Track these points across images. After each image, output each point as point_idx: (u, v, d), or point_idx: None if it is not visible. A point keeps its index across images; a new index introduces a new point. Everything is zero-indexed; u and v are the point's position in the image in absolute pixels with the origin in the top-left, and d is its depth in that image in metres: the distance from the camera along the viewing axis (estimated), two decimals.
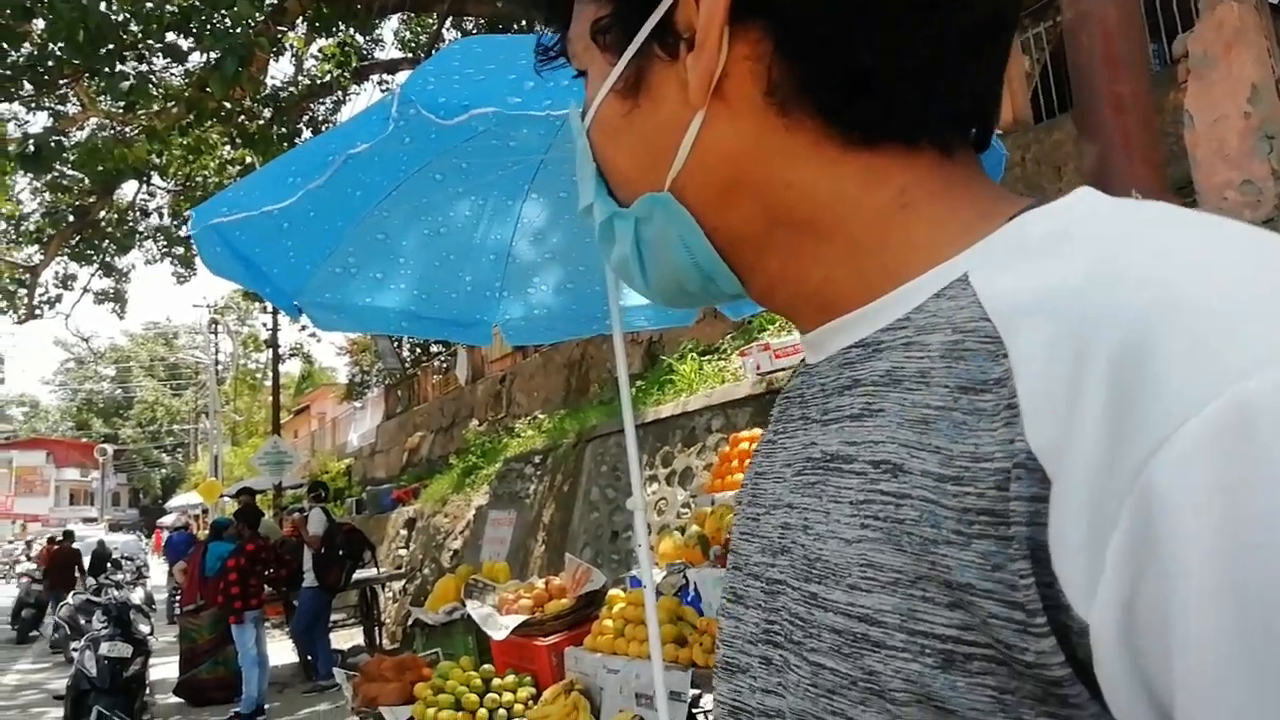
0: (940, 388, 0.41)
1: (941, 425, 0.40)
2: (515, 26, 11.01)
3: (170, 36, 9.30)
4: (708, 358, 8.06)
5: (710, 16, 0.47)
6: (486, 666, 4.02)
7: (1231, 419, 0.30)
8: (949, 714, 0.38)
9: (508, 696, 3.82)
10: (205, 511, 21.50)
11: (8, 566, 18.48)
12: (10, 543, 20.81)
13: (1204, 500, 0.30)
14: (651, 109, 0.51)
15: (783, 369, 5.90)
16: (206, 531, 13.18)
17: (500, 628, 3.99)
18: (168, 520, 23.45)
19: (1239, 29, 3.68)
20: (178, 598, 14.93)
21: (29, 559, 18.90)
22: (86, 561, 15.76)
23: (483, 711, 3.73)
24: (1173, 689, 0.31)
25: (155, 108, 10.16)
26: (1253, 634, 0.29)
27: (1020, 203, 0.47)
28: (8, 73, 8.63)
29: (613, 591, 3.95)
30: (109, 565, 13.68)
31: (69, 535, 16.18)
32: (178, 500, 29.51)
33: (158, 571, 19.38)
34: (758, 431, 4.49)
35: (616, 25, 0.51)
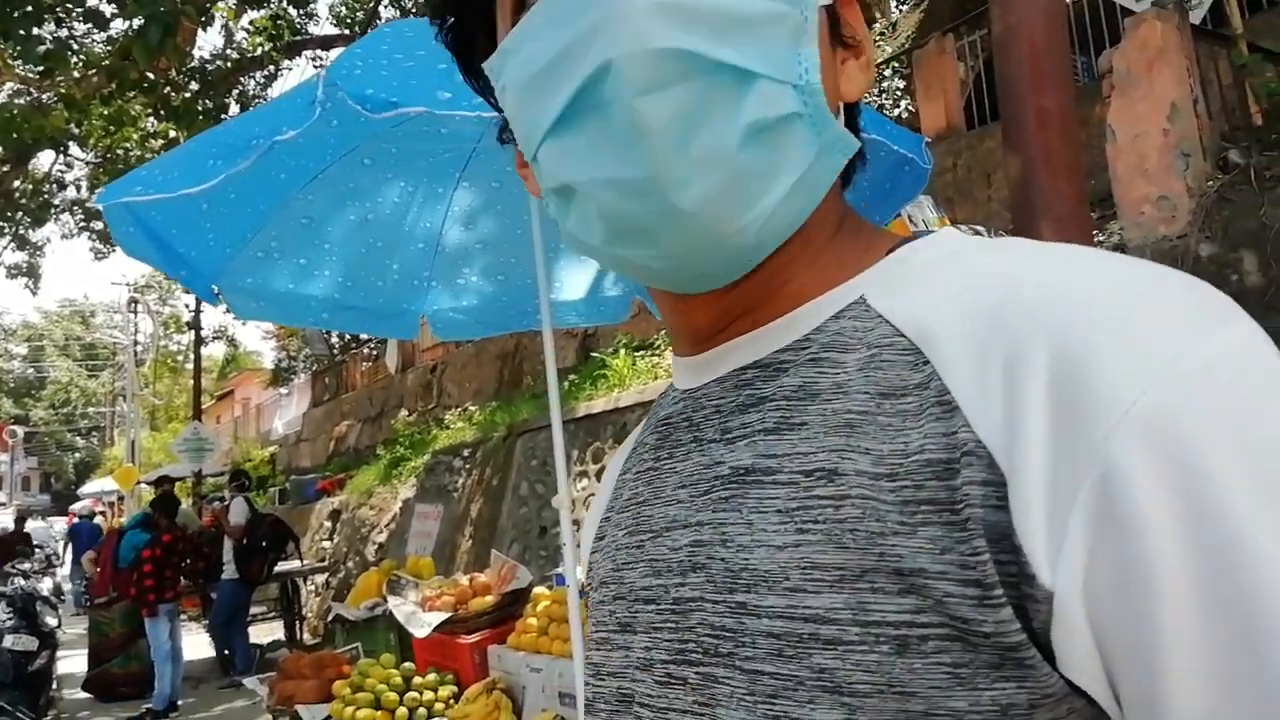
0: (860, 395, 0.45)
1: (868, 429, 0.43)
2: None
3: (91, 1, 8.92)
4: (641, 353, 8.05)
5: (869, 43, 0.54)
6: (407, 665, 3.95)
7: (1168, 402, 0.36)
8: (909, 696, 0.39)
9: (428, 695, 3.76)
10: (121, 499, 20.77)
11: None
12: None
13: (1155, 468, 0.36)
14: (832, 65, 0.51)
15: None
16: (121, 520, 12.73)
17: (422, 625, 3.92)
18: (78, 506, 22.63)
19: (1161, 48, 3.80)
20: (85, 589, 14.42)
21: None
22: None
23: (402, 710, 3.66)
24: (1128, 636, 0.37)
25: (75, 75, 9.73)
26: (1219, 582, 0.35)
27: (891, 235, 0.54)
28: None
29: (537, 589, 3.91)
30: (15, 553, 13.11)
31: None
32: (92, 486, 28.51)
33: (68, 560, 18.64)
34: None
35: None
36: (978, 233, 5.24)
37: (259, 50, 11.54)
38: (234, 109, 11.74)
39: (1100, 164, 4.42)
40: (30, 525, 19.43)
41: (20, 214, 14.81)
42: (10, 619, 7.99)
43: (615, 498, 0.62)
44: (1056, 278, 0.42)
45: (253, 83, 13.01)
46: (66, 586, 15.91)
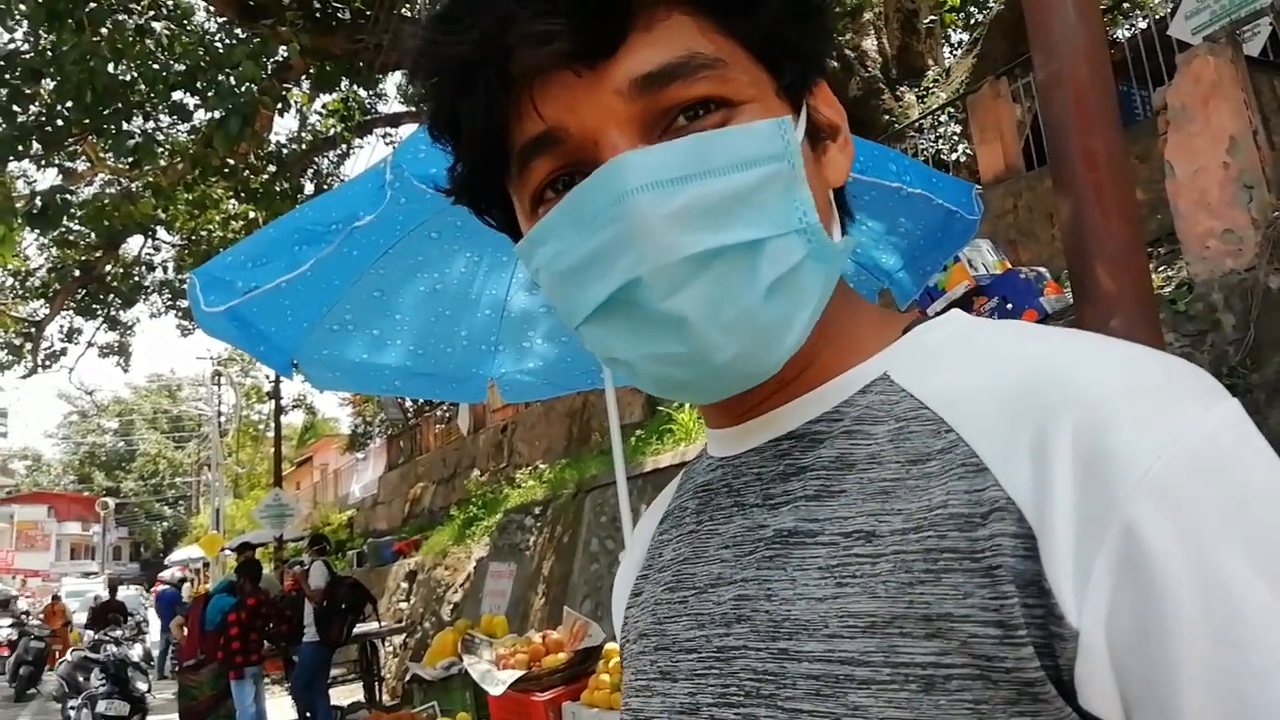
0: (892, 464, 0.50)
1: (900, 493, 0.49)
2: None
3: (176, 95, 9.50)
4: None
5: (843, 122, 0.60)
6: None
7: (1178, 468, 0.42)
8: None
9: None
10: (206, 565, 21.35)
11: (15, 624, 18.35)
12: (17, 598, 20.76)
13: (1170, 525, 0.41)
14: (816, 169, 0.56)
15: None
16: (206, 585, 13.10)
17: (497, 683, 3.97)
18: (167, 574, 23.35)
19: (1215, 82, 3.77)
20: (171, 654, 14.79)
21: (25, 615, 18.73)
22: (82, 617, 15.66)
23: None
24: (1144, 671, 0.41)
25: (161, 164, 10.33)
26: (1219, 634, 0.40)
27: (904, 316, 0.61)
28: (16, 133, 8.79)
29: (610, 646, 3.94)
30: (108, 620, 13.57)
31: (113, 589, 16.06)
32: (179, 554, 29.32)
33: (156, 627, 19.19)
34: None
35: (793, 89, 0.56)
36: (1040, 276, 5.18)
37: (331, 131, 12.09)
38: (309, 188, 12.30)
39: (1162, 201, 4.36)
40: (121, 593, 20.12)
41: (112, 296, 15.62)
42: (104, 685, 8.28)
43: (653, 557, 0.67)
44: (1071, 359, 0.47)
45: (326, 161, 13.64)
46: (155, 652, 16.38)
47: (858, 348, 0.57)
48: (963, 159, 8.89)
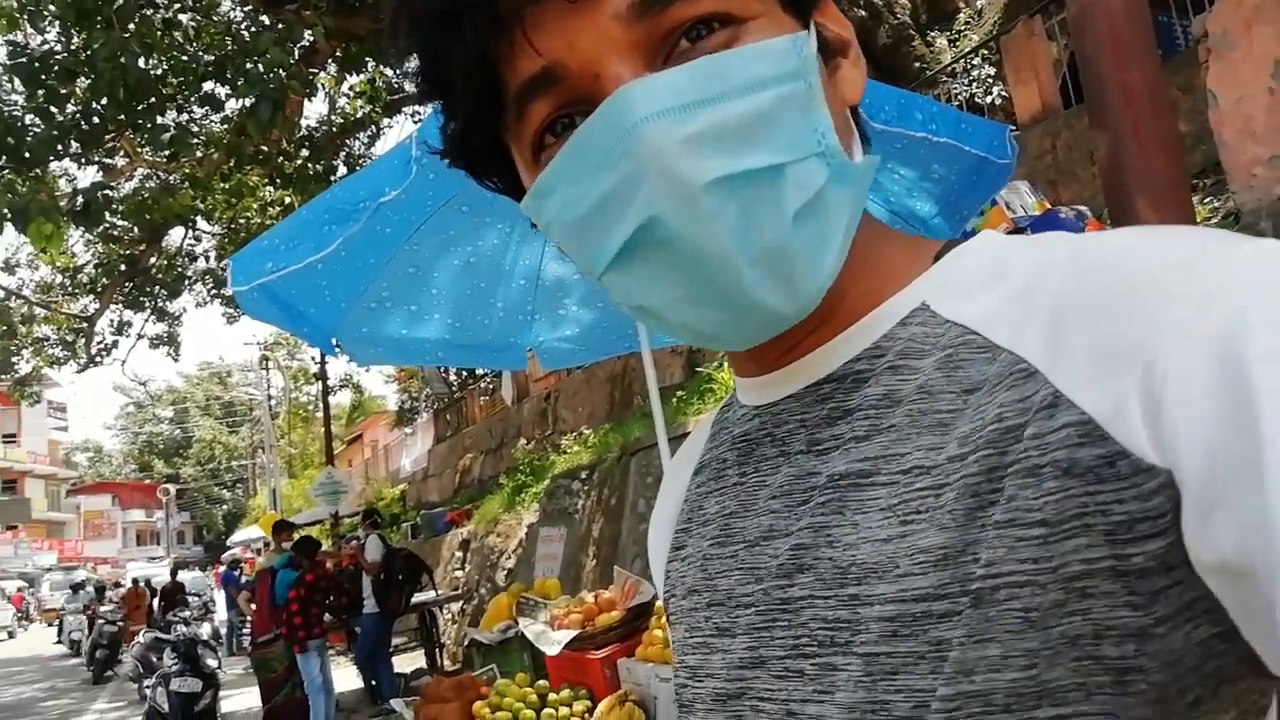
0: (945, 395, 0.48)
1: (959, 421, 0.46)
2: None
3: (207, 86, 9.60)
4: None
5: (846, 25, 0.56)
6: (542, 682, 4.08)
7: (1248, 304, 0.38)
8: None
9: (564, 711, 3.88)
10: (267, 544, 21.94)
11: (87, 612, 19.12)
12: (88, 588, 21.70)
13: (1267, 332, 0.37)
14: (831, 86, 0.52)
15: None
16: (261, 560, 13.46)
17: (553, 643, 4.05)
18: (225, 556, 24.11)
19: (1258, 5, 3.63)
20: (244, 630, 15.26)
21: (97, 602, 19.44)
22: (155, 601, 16.22)
23: None
24: (1236, 457, 0.36)
25: (197, 155, 10.47)
26: None
27: (928, 241, 0.57)
28: (56, 132, 8.97)
29: (660, 602, 3.99)
30: (175, 602, 14.05)
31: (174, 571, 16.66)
32: (240, 535, 30.14)
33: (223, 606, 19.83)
34: None
35: (800, 1, 0.52)
36: (1081, 214, 5.07)
37: (360, 113, 12.15)
38: (342, 169, 12.38)
39: (1206, 132, 4.24)
40: (185, 575, 20.77)
41: (158, 288, 15.95)
42: (176, 663, 8.58)
43: (692, 510, 0.64)
44: (1110, 253, 0.45)
45: (357, 143, 13.70)
46: (223, 631, 16.94)
47: (891, 278, 0.54)
48: (998, 101, 8.68)
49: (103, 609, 17.29)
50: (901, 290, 0.53)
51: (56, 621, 23.92)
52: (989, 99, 8.75)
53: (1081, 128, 6.98)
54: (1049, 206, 5.31)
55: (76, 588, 22.43)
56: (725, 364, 8.14)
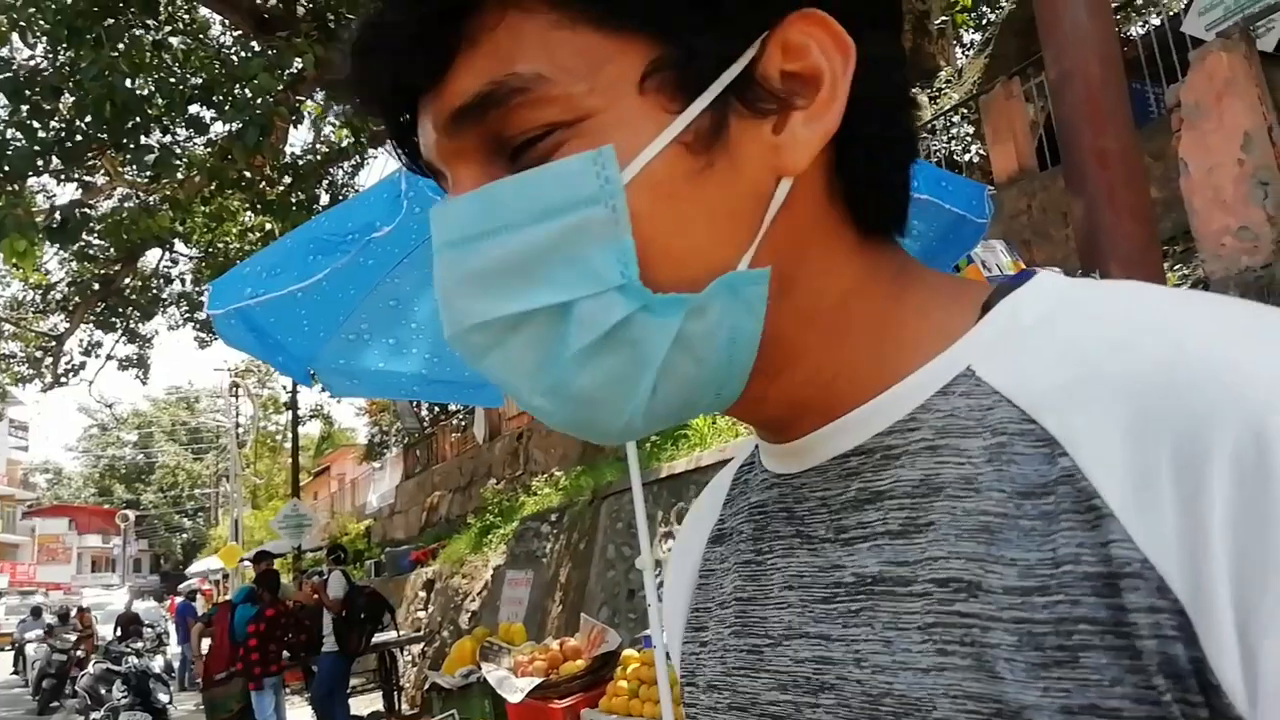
0: (995, 493, 0.39)
1: (1010, 535, 0.38)
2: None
3: (193, 109, 9.60)
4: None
5: (841, 82, 0.42)
6: None
7: None
8: None
9: None
10: (226, 576, 21.49)
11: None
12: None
13: None
14: (730, 171, 0.42)
15: None
16: (226, 596, 13.19)
17: (516, 690, 3.98)
18: (183, 586, 23.57)
19: (1229, 79, 3.76)
20: (193, 665, 14.86)
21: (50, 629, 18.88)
22: (107, 630, 15.78)
23: None
24: None
25: (179, 178, 10.43)
26: None
27: (978, 286, 0.47)
28: (37, 148, 8.91)
29: (627, 652, 3.94)
30: (129, 633, 13.68)
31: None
32: (199, 565, 29.54)
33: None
34: None
35: (680, 68, 0.42)
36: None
37: (345, 143, 12.18)
38: (324, 199, 12.37)
39: (1177, 199, 4.34)
40: (140, 605, 20.26)
41: (131, 309, 15.77)
42: (125, 697, 8.35)
43: (707, 582, 0.57)
44: (1213, 345, 0.36)
45: (341, 173, 13.73)
46: (176, 664, 16.48)
47: (929, 336, 0.45)
48: (975, 159, 8.87)
49: (67, 636, 16.75)
50: (945, 350, 0.44)
51: (11, 646, 23.14)
52: (967, 157, 8.94)
53: (1057, 189, 7.12)
54: (1024, 266, 5.41)
55: (36, 611, 21.77)
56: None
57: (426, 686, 6.06)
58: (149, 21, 9.65)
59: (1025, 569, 0.37)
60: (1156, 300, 0.40)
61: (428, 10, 0.42)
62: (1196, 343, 0.36)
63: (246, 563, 16.21)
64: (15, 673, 21.28)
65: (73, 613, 18.47)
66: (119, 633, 13.82)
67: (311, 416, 34.32)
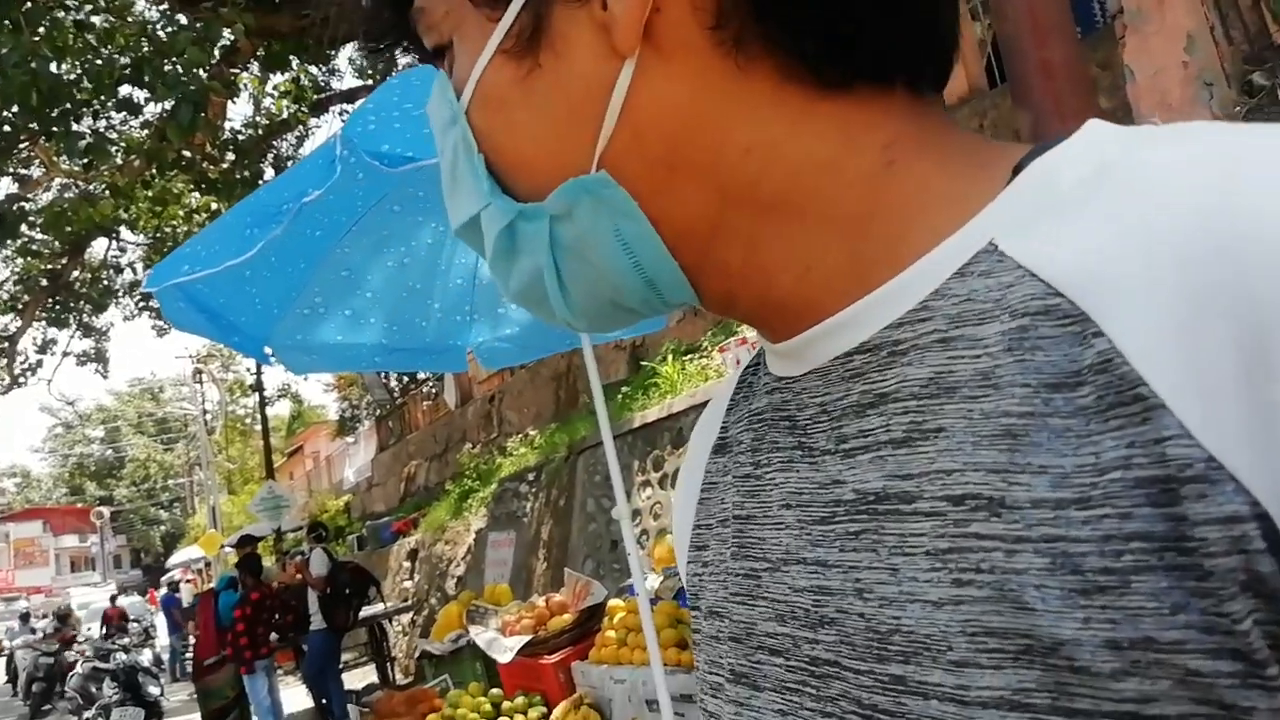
0: (1017, 389, 0.33)
1: (1038, 437, 0.32)
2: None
3: (124, 90, 9.30)
4: (689, 357, 8.09)
5: None
6: (495, 691, 4.03)
7: None
8: None
9: (519, 718, 3.83)
10: (208, 564, 21.39)
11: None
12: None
13: None
14: (559, 66, 0.39)
15: None
16: (210, 584, 13.13)
17: (505, 650, 4.00)
18: (165, 578, 23.44)
19: None
20: (186, 655, 14.84)
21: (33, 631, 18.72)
22: (93, 627, 15.67)
23: None
24: None
25: (117, 163, 10.14)
26: None
27: (1014, 148, 0.39)
28: None
29: (613, 602, 3.97)
30: (115, 629, 13.61)
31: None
32: (180, 556, 29.33)
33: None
34: None
35: None
36: None
37: (286, 113, 11.88)
38: (269, 173, 12.10)
39: (1127, 106, 4.34)
40: (124, 600, 20.13)
41: (82, 302, 15.43)
42: (116, 693, 8.32)
43: (708, 494, 0.52)
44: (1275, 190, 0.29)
45: (285, 144, 13.42)
46: (166, 657, 16.45)
47: (945, 210, 0.37)
48: None
49: (53, 638, 16.54)
50: (966, 222, 0.37)
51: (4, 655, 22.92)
52: None
53: (1007, 107, 7.12)
54: None
55: (25, 617, 21.51)
56: (669, 358, 8.15)
57: (418, 655, 6.09)
58: (69, 2, 9.27)
59: (1059, 477, 0.31)
60: (1227, 139, 0.32)
61: None
62: (1258, 189, 0.29)
63: (228, 549, 16.14)
64: (9, 681, 21.12)
65: (74, 612, 18.29)
66: (105, 630, 13.74)
67: (280, 396, 34.04)
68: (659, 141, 0.39)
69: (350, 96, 13.39)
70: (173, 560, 30.09)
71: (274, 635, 8.78)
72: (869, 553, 0.37)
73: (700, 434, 0.56)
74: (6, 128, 9.19)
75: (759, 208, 0.39)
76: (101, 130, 9.82)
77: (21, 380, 16.41)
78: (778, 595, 0.42)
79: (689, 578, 0.53)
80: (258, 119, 12.33)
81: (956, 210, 0.37)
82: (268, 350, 3.38)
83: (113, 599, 17.16)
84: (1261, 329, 0.28)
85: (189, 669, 14.24)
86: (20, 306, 15.02)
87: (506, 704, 3.91)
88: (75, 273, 14.84)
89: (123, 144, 10.21)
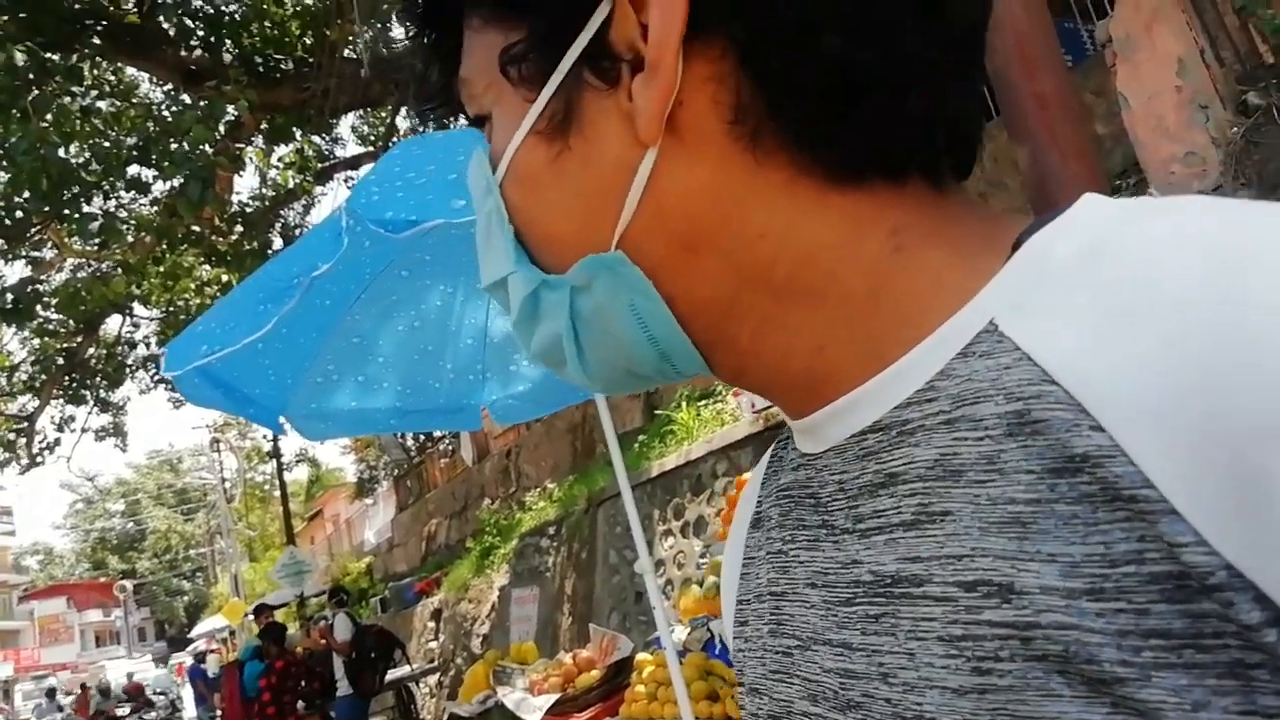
0: (1021, 475, 0.33)
1: (1045, 524, 0.32)
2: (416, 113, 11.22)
3: (132, 170, 9.48)
4: (704, 402, 8.07)
5: (666, 31, 0.38)
6: None
7: None
8: None
9: None
10: (232, 633, 21.27)
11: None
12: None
13: None
14: (587, 150, 0.41)
15: None
16: (233, 654, 13.05)
17: (534, 710, 3.95)
18: (188, 650, 23.29)
19: (1156, 7, 3.78)
20: None
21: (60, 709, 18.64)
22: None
23: None
24: None
25: (128, 241, 10.29)
26: None
27: (1018, 222, 0.39)
28: None
29: (640, 656, 3.92)
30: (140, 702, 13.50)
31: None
32: (204, 626, 29.18)
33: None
34: None
35: (534, 51, 0.41)
36: None
37: (292, 184, 12.07)
38: (278, 242, 12.25)
39: (1123, 133, 4.37)
40: (152, 674, 20.01)
41: (98, 379, 15.55)
42: None
43: (748, 570, 0.53)
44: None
45: (291, 214, 13.60)
46: None
47: (953, 289, 0.38)
48: None
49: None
50: (969, 301, 0.37)
51: None
52: None
53: (1004, 139, 7.17)
54: None
55: (51, 693, 21.36)
56: (684, 404, 8.13)
57: (446, 718, 6.01)
58: (74, 89, 9.50)
59: (1069, 566, 0.31)
60: (1193, 221, 0.32)
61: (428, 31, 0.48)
62: (1264, 300, 0.28)
63: (250, 617, 16.06)
64: None
65: (119, 685, 18.18)
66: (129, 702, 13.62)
67: (298, 461, 34.07)
68: (679, 223, 0.40)
69: (354, 163, 13.61)
70: (197, 630, 29.92)
71: (301, 703, 8.70)
72: (889, 636, 0.38)
73: (742, 505, 0.57)
74: (19, 213, 9.37)
75: (773, 289, 0.41)
76: (112, 210, 9.99)
77: (40, 459, 16.48)
78: (809, 674, 0.43)
79: (735, 654, 0.54)
80: (264, 190, 12.53)
81: (961, 289, 0.38)
82: (282, 420, 3.40)
83: (129, 675, 17.04)
84: (1262, 455, 0.27)
85: None
86: (38, 386, 15.16)
87: None
88: (90, 350, 14.98)
89: (133, 222, 10.37)
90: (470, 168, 0.48)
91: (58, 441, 16.92)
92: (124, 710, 13.01)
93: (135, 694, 14.14)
